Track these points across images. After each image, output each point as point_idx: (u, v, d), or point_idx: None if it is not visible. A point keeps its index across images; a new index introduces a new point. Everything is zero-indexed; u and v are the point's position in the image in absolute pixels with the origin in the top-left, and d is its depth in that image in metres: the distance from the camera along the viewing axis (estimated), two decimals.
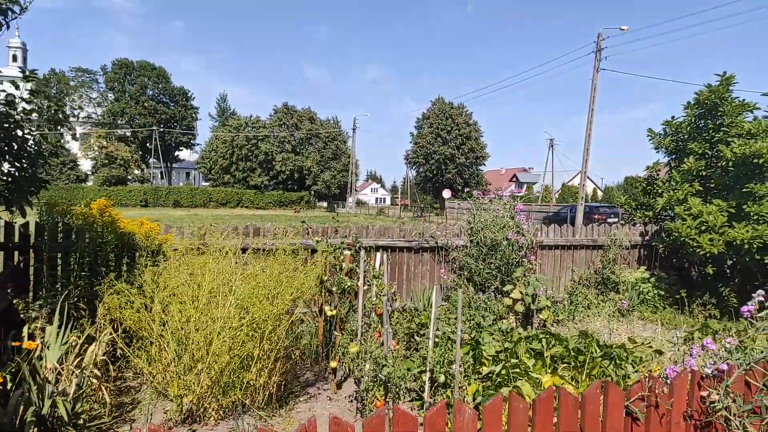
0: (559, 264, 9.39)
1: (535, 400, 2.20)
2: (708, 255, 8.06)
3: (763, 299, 3.25)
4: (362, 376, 4.41)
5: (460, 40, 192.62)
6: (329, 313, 5.62)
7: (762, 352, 2.93)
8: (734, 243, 7.73)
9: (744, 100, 8.49)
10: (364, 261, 5.14)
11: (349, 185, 62.63)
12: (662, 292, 8.98)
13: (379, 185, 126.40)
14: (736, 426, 2.36)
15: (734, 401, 2.43)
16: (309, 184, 70.06)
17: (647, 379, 2.37)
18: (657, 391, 2.37)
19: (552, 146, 62.75)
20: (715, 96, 8.41)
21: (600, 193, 66.56)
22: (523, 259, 8.13)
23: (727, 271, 9.01)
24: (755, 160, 7.76)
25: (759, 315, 3.41)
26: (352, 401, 4.98)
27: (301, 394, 5.22)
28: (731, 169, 8.24)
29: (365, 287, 5.34)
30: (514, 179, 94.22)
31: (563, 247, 9.37)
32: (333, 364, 5.16)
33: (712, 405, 2.42)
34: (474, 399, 4.37)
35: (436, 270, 8.41)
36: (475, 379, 4.84)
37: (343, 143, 71.21)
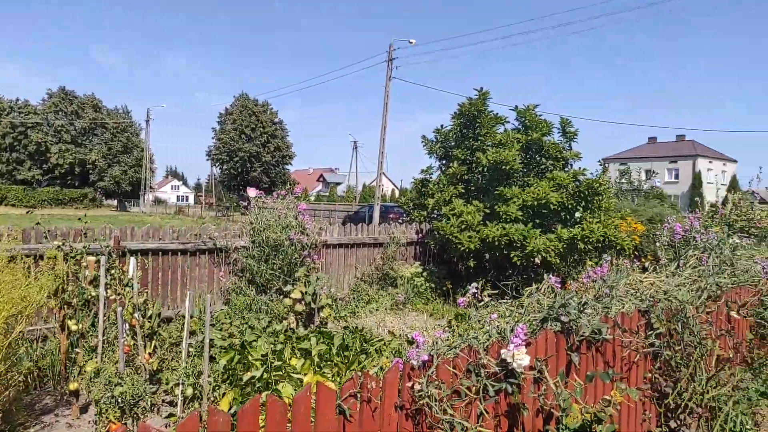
0: (343, 262, 9.69)
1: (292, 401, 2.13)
2: (468, 250, 9.04)
3: (476, 291, 3.66)
4: (101, 397, 3.92)
5: (265, 35, 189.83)
6: (73, 328, 4.93)
7: (477, 337, 3.28)
8: (488, 240, 8.79)
9: (497, 113, 9.74)
10: (107, 267, 4.59)
11: (143, 182, 57.34)
12: (433, 285, 9.84)
13: (181, 183, 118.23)
14: (437, 410, 2.57)
15: (438, 388, 2.64)
16: (94, 179, 62.44)
17: (359, 376, 2.45)
18: (369, 386, 2.46)
19: (356, 148, 65.48)
20: (474, 108, 9.50)
21: (398, 194, 71.50)
22: (306, 259, 8.18)
23: (486, 264, 10.24)
24: (503, 167, 8.94)
25: (481, 304, 3.85)
26: (94, 426, 4.42)
27: (33, 425, 4.48)
28: (486, 174, 9.39)
29: (115, 297, 4.78)
30: (322, 179, 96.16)
31: (347, 246, 9.69)
32: (72, 386, 4.52)
33: (419, 393, 2.60)
34: (230, 408, 4.19)
35: (216, 273, 8.02)
36: (236, 386, 4.67)
37: (136, 136, 64.97)
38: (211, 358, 5.07)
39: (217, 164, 62.49)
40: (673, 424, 3.39)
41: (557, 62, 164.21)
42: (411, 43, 23.64)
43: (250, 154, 58.25)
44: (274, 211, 8.26)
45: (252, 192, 8.67)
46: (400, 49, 24.83)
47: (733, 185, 46.53)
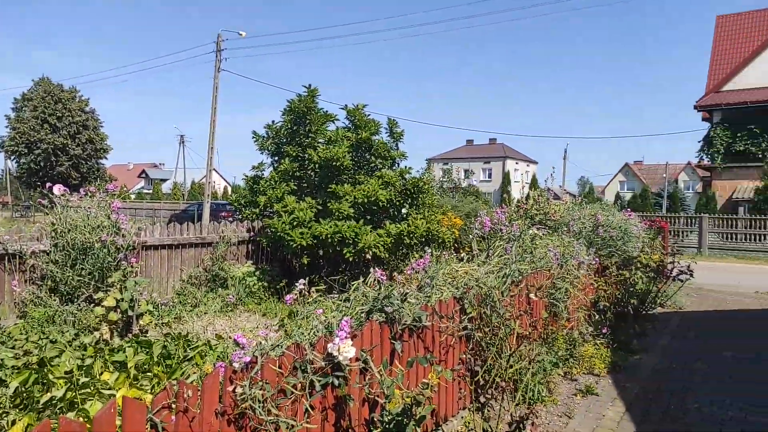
0: (167, 264, 9.01)
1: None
2: (301, 247, 9.01)
3: (303, 287, 3.65)
4: None
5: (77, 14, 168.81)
6: None
7: (303, 335, 3.25)
8: (321, 236, 8.86)
9: (327, 111, 9.86)
10: None
11: None
12: (267, 284, 9.62)
13: None
14: (261, 412, 2.50)
15: (263, 389, 2.57)
16: None
17: (173, 385, 2.28)
18: (186, 395, 2.30)
19: (183, 142, 61.38)
20: (303, 105, 9.49)
21: (230, 191, 68.78)
22: (122, 262, 7.43)
23: (320, 261, 10.31)
24: (334, 164, 9.08)
25: (309, 300, 3.85)
26: None
27: None
28: (318, 170, 9.45)
29: None
30: (144, 175, 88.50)
31: (171, 247, 9.03)
32: None
33: (241, 397, 2.50)
34: None
35: (8, 282, 6.90)
36: (33, 411, 4.05)
37: None
38: (0, 381, 4.34)
39: (13, 157, 53.86)
40: (482, 399, 3.74)
41: (390, 63, 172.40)
42: (241, 35, 22.84)
43: (56, 146, 51.25)
44: (83, 210, 7.36)
45: (57, 189, 7.61)
46: (229, 40, 23.80)
47: (534, 183, 53.31)
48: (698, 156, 27.88)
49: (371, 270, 4.13)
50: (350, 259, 9.15)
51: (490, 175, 70.41)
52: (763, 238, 21.15)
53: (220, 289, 9.29)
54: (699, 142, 27.63)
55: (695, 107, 27.36)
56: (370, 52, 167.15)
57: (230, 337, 5.51)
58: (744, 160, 25.34)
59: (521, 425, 3.33)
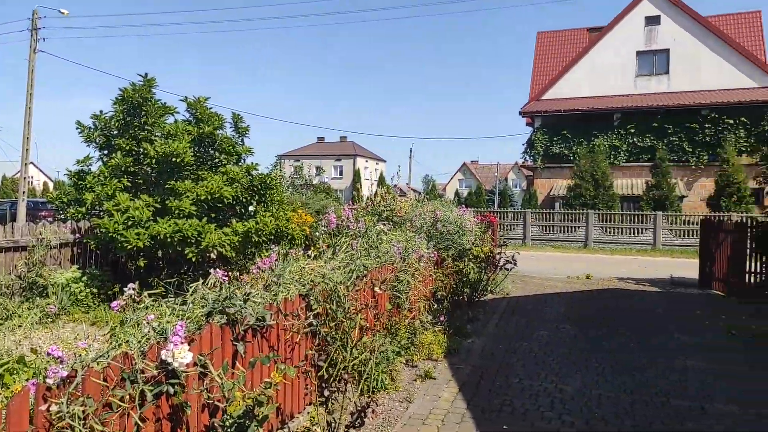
0: None
1: None
2: (137, 249, 8.34)
3: (133, 292, 3.41)
4: None
5: None
6: None
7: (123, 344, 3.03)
8: (159, 236, 8.28)
9: (165, 103, 9.23)
10: None
11: None
12: (96, 290, 8.75)
13: None
14: (80, 430, 2.29)
15: (84, 404, 2.35)
16: None
17: None
18: None
19: None
20: (139, 95, 8.78)
21: (52, 187, 61.02)
22: None
23: (159, 262, 9.63)
24: (174, 159, 8.54)
25: (141, 305, 3.59)
26: None
27: None
28: (155, 166, 8.81)
29: None
30: None
31: None
32: None
33: (58, 415, 2.26)
34: None
35: None
36: None
37: None
38: None
39: None
40: (327, 393, 3.81)
41: (239, 57, 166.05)
42: (63, 13, 20.30)
43: None
44: None
45: None
46: (47, 17, 21.00)
47: (382, 181, 55.40)
48: (523, 157, 31.18)
49: (212, 271, 3.99)
50: (193, 259, 8.70)
51: (341, 173, 71.53)
52: (574, 230, 24.36)
53: (38, 298, 8.24)
54: (523, 144, 30.91)
55: (520, 113, 30.56)
56: (216, 44, 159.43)
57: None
58: (559, 161, 28.91)
59: (362, 414, 3.47)
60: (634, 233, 23.50)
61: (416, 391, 5.46)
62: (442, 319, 7.37)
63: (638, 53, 28.93)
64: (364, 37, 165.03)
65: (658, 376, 6.03)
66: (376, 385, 5.26)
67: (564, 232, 24.60)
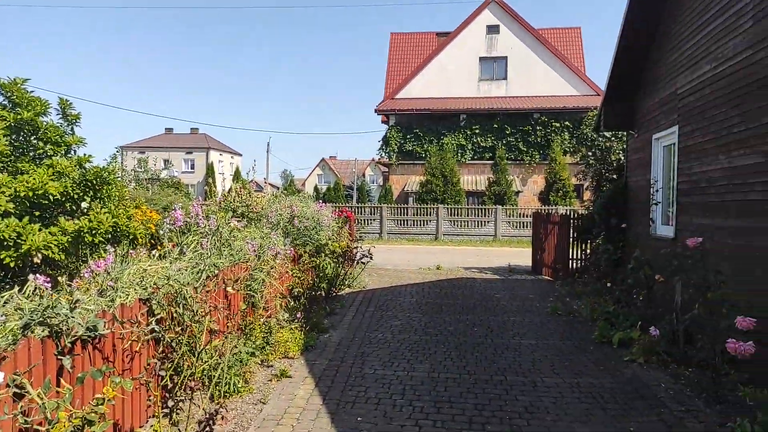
0: None
1: None
2: None
3: None
4: None
5: None
6: None
7: None
8: None
9: None
10: None
11: None
12: None
13: None
14: None
15: None
16: None
17: None
18: None
19: None
20: None
21: None
22: None
23: None
24: None
25: None
26: None
27: None
28: None
29: None
30: None
31: None
32: None
33: None
34: None
35: None
36: None
37: None
38: None
39: None
40: (171, 403, 3.57)
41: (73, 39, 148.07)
42: None
43: None
44: None
45: None
46: None
47: (237, 175, 53.43)
48: (379, 153, 32.13)
49: (31, 277, 3.51)
50: (12, 265, 7.59)
51: (193, 166, 67.63)
52: (426, 223, 25.71)
53: None
54: (379, 141, 31.89)
55: (376, 111, 31.43)
56: (48, 25, 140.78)
57: None
58: (412, 158, 30.29)
59: (211, 422, 3.30)
60: (478, 226, 25.47)
61: (271, 392, 5.35)
62: (299, 315, 7.31)
63: (481, 59, 31.33)
64: (221, 26, 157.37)
65: (497, 355, 6.61)
66: (229, 389, 5.05)
67: (417, 225, 25.85)
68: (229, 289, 5.76)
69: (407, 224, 26.02)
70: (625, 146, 11.11)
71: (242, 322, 6.12)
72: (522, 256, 17.11)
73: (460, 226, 25.55)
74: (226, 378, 4.96)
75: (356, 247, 11.10)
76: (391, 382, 5.64)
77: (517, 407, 4.98)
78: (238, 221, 7.99)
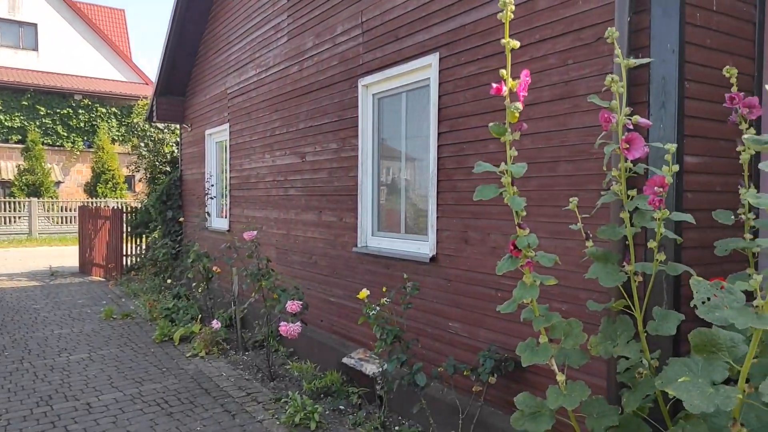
0: None
1: None
2: None
3: None
4: None
5: None
6: None
7: None
8: None
9: None
10: None
11: None
12: None
13: None
14: None
15: None
16: None
17: None
18: None
19: None
20: None
21: None
22: None
23: None
24: None
25: None
26: None
27: None
28: None
29: None
30: None
31: None
32: None
33: None
34: None
35: None
36: None
37: None
38: None
39: None
40: None
41: None
42: None
43: None
44: None
45: None
46: None
47: None
48: None
49: None
50: None
51: None
52: None
53: None
54: None
55: None
56: None
57: None
58: None
59: None
60: (6, 223, 20.99)
61: None
62: None
63: (1, 20, 25.73)
64: None
65: (39, 380, 5.47)
66: None
67: None
68: None
69: None
70: (179, 139, 11.09)
71: None
72: (67, 256, 15.01)
73: None
74: None
75: None
76: None
77: None
78: None
